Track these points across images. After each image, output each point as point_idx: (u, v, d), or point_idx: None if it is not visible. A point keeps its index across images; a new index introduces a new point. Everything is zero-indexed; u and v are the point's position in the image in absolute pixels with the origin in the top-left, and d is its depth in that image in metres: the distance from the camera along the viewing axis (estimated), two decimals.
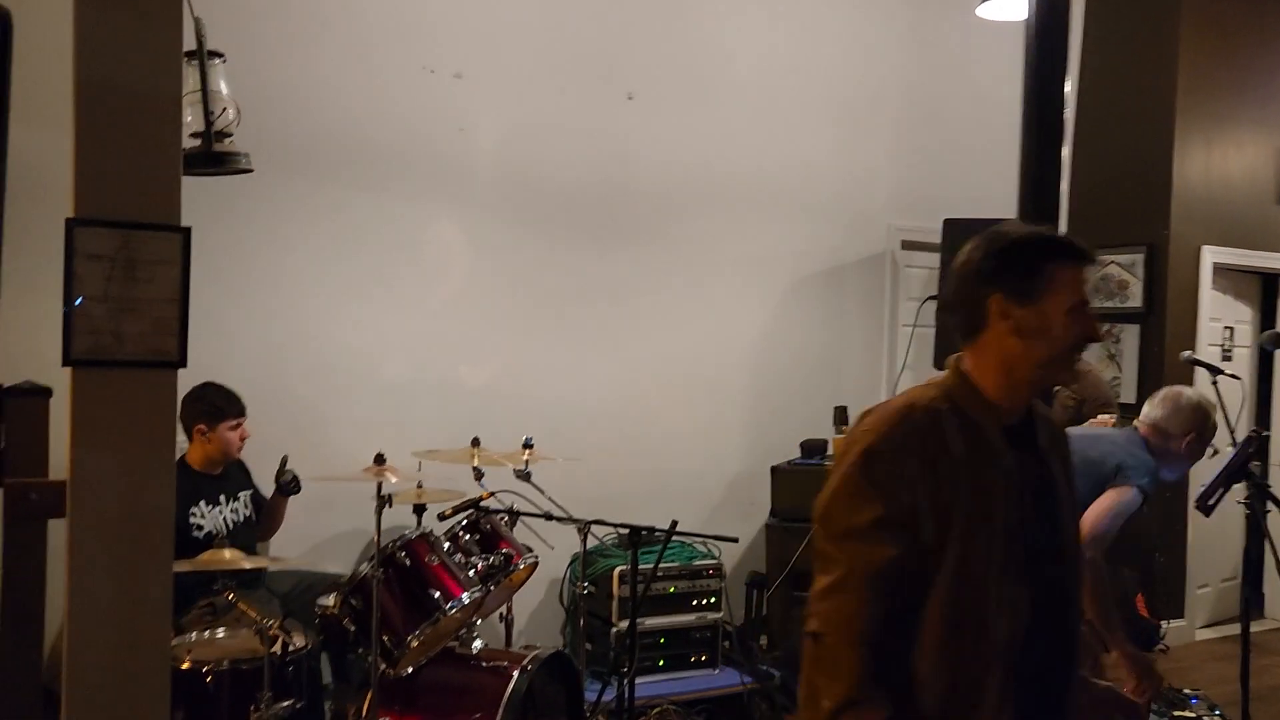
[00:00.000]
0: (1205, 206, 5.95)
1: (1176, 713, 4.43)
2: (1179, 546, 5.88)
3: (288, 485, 3.75)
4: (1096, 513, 3.05)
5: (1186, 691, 4.72)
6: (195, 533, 3.50)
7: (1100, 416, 4.39)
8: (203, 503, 3.58)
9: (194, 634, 3.15)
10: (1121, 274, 6.04)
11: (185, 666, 2.87)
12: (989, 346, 1.66)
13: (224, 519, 3.63)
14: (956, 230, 5.22)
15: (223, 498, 3.66)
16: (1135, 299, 5.94)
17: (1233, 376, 4.18)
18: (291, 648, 3.00)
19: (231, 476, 3.75)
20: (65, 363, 1.97)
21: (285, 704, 2.85)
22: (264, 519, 3.85)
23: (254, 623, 2.85)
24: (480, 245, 4.56)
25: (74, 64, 1.95)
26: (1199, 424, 3.27)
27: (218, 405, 3.61)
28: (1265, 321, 6.42)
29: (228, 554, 2.90)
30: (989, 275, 1.66)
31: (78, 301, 1.94)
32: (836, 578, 1.56)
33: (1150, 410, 3.36)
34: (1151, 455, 3.21)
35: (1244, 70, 6.09)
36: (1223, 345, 6.18)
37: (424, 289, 4.43)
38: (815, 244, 5.49)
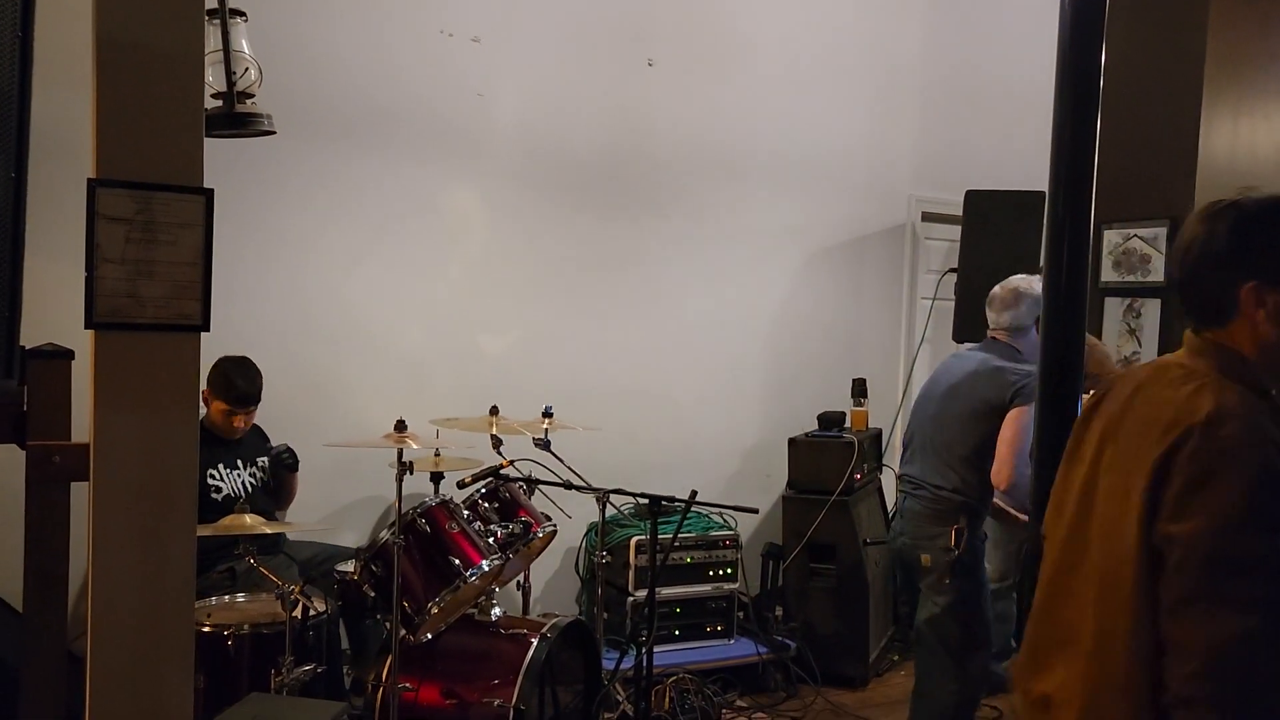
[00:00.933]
0: (1231, 179, 5.83)
1: None
2: None
3: (281, 459, 3.74)
4: (1014, 449, 2.98)
5: None
6: (214, 494, 3.51)
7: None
8: (221, 465, 3.59)
9: (214, 598, 3.17)
10: (1144, 247, 5.96)
11: (206, 630, 2.88)
12: (1240, 334, 1.51)
13: (242, 483, 3.64)
14: (978, 202, 5.16)
15: (240, 462, 3.67)
16: (1157, 273, 5.85)
17: None
18: (312, 612, 3.01)
19: (250, 442, 3.75)
20: (87, 325, 1.96)
21: (306, 668, 2.86)
22: (276, 491, 3.86)
23: (275, 586, 2.86)
24: (499, 212, 4.53)
25: (93, 22, 1.92)
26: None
27: (226, 388, 3.57)
28: None
29: (248, 519, 2.90)
30: (1237, 259, 1.49)
31: (98, 263, 1.92)
32: (1265, 624, 1.35)
33: (998, 316, 3.27)
34: (1027, 360, 3.12)
35: (1274, 41, 5.97)
36: None
37: (443, 256, 4.41)
38: (835, 215, 5.44)
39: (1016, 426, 2.98)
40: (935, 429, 3.22)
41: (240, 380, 3.57)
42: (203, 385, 3.52)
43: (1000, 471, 2.97)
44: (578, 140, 4.67)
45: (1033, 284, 3.24)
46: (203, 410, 3.55)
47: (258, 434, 3.82)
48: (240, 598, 3.20)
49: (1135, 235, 6.08)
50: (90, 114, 1.95)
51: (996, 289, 3.33)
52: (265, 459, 3.78)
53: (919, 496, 3.18)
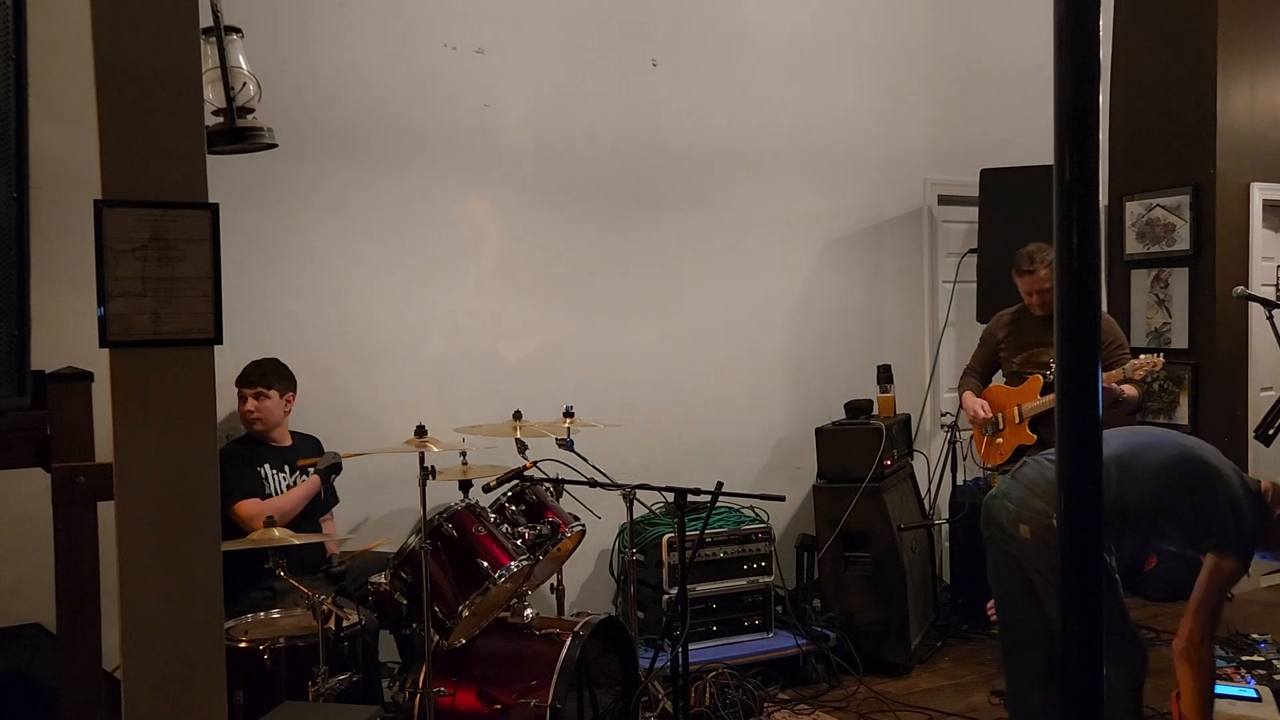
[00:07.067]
0: (1252, 142, 5.78)
1: (1245, 657, 4.35)
2: None
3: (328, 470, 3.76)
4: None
5: (1255, 637, 4.63)
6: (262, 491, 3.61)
7: (1127, 364, 3.93)
8: (268, 466, 3.64)
9: (250, 615, 3.20)
10: (1167, 216, 5.89)
11: (243, 646, 2.91)
12: None
13: (287, 486, 3.69)
14: (994, 181, 5.12)
15: (288, 467, 3.74)
16: (1183, 241, 5.79)
17: None
18: (346, 623, 3.03)
19: (301, 449, 3.81)
20: (102, 344, 1.98)
21: (341, 677, 2.88)
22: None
23: (306, 598, 2.88)
24: (513, 219, 4.55)
25: (93, 45, 1.95)
26: None
27: (243, 372, 3.72)
28: None
29: (277, 532, 2.92)
30: None
31: (109, 283, 1.95)
32: None
33: None
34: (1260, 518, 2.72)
35: None
36: (1277, 285, 6.01)
37: (459, 266, 4.43)
38: (850, 203, 5.42)
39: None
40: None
41: (251, 364, 3.72)
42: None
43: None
44: (587, 144, 4.68)
45: None
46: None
47: (310, 443, 3.87)
48: (275, 613, 3.22)
49: (1158, 205, 6.00)
50: (84, 142, 1.98)
51: None
52: (312, 469, 3.79)
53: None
